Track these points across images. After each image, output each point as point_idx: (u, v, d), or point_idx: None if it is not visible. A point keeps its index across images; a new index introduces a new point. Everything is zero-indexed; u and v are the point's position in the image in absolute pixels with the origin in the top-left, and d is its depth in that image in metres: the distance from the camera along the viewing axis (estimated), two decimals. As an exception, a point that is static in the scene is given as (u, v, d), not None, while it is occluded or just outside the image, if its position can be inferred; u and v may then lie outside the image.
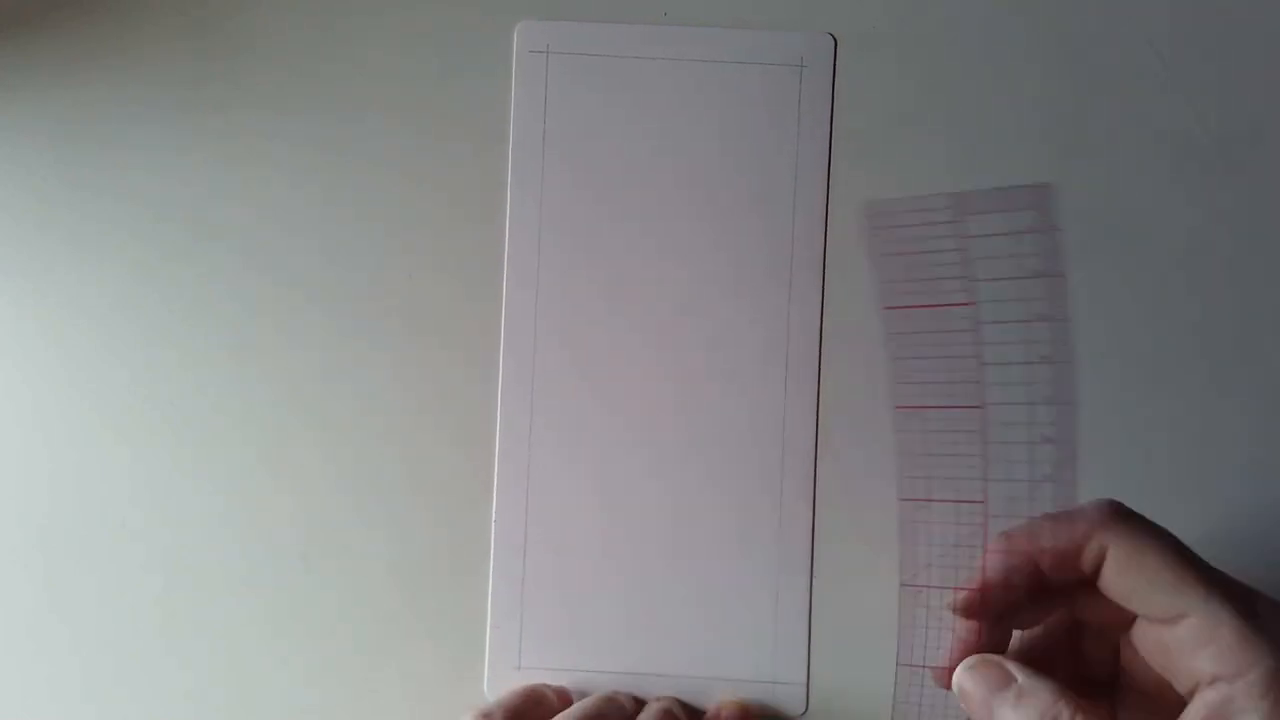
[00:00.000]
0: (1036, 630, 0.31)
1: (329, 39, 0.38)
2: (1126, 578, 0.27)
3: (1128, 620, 0.29)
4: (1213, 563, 0.28)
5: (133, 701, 0.38)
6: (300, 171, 0.38)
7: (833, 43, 0.38)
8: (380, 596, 0.38)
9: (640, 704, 0.36)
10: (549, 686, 0.36)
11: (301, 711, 0.38)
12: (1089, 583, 0.28)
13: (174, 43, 0.38)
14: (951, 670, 0.29)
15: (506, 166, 0.38)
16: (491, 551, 0.37)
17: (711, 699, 0.37)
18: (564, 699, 0.36)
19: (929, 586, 0.30)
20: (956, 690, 0.29)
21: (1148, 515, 0.29)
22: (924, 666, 0.30)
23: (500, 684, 0.37)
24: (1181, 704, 0.27)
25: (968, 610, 0.29)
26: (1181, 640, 0.27)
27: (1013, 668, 0.28)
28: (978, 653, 0.29)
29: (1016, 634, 0.31)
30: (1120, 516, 0.28)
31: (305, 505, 0.38)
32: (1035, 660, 0.29)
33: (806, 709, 0.37)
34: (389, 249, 0.38)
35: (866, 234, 0.29)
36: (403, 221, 0.38)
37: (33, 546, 0.38)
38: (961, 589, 0.29)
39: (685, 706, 0.36)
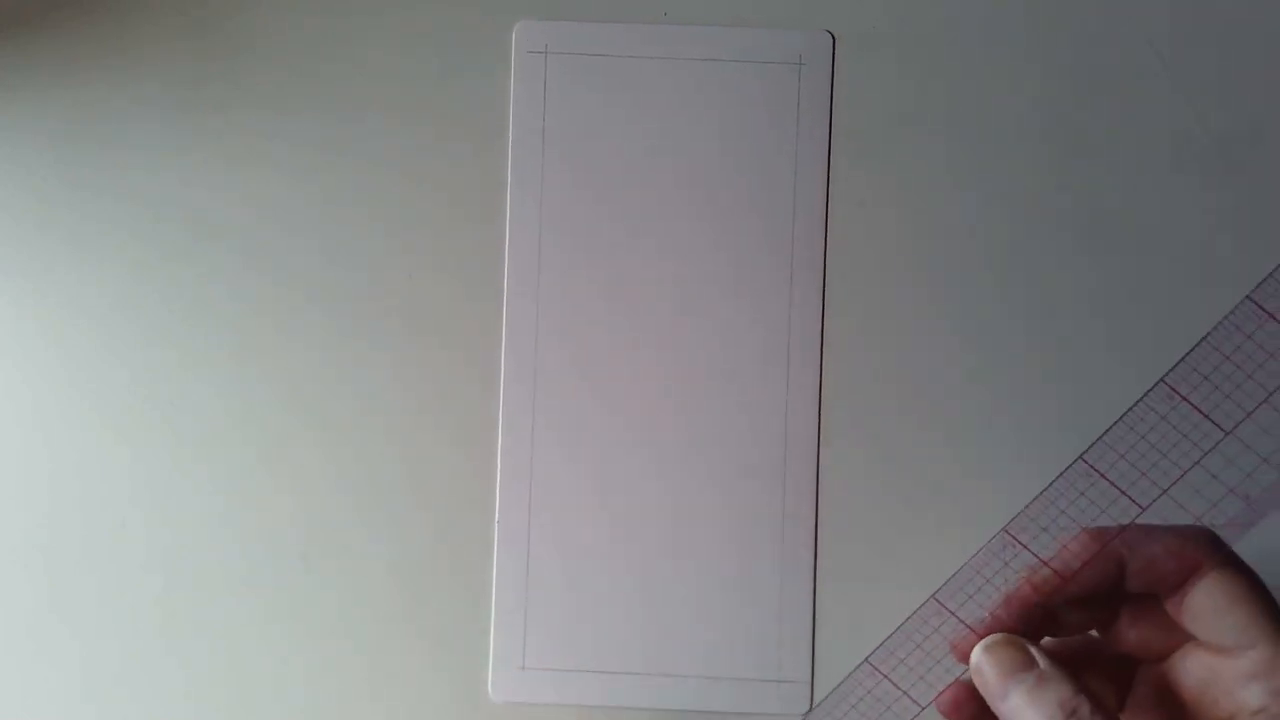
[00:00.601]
0: (1051, 642, 0.30)
1: (329, 39, 0.38)
2: (1210, 602, 0.27)
3: (1170, 646, 0.28)
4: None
5: (133, 701, 0.38)
6: (300, 171, 0.38)
7: (831, 41, 0.38)
8: (381, 597, 0.38)
9: None
10: None
11: (301, 711, 0.37)
12: (1133, 602, 0.28)
13: (174, 43, 0.38)
14: (971, 644, 0.29)
15: (506, 166, 0.38)
16: (495, 552, 0.37)
17: (715, 699, 0.37)
18: None
19: (1026, 547, 0.29)
20: (973, 666, 0.28)
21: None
22: (954, 613, 0.29)
23: (505, 685, 0.37)
24: None
25: (1039, 587, 0.28)
26: (1238, 670, 0.27)
27: (1036, 653, 0.28)
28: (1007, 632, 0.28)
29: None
30: (1216, 543, 0.28)
31: (305, 505, 0.38)
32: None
33: (811, 707, 0.37)
34: (389, 249, 0.38)
35: None
36: (403, 221, 0.38)
37: (33, 546, 0.38)
38: (1036, 570, 0.28)
39: None
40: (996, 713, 0.28)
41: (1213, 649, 0.27)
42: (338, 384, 0.38)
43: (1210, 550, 0.27)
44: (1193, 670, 0.28)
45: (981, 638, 0.28)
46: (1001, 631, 0.28)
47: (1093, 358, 0.37)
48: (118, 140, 0.38)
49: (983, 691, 0.28)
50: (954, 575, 0.29)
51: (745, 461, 0.37)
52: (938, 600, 0.29)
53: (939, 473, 0.37)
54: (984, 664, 0.28)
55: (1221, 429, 0.28)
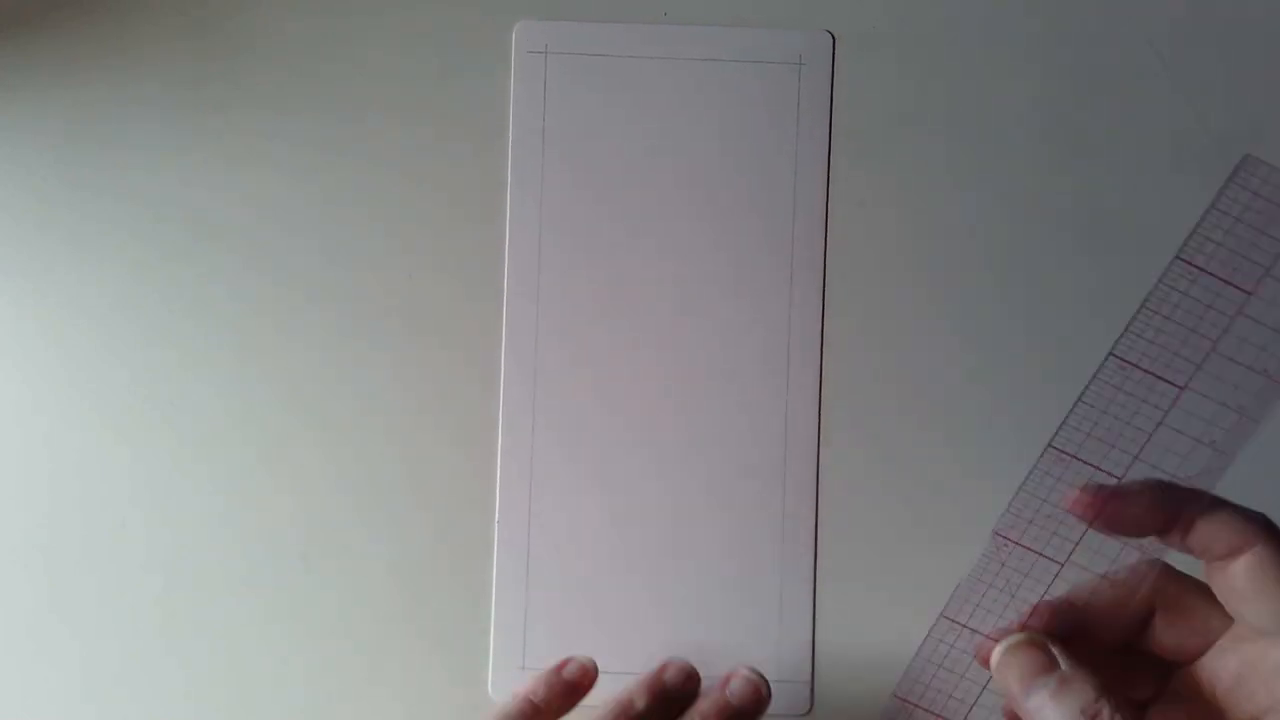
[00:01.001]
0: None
1: (329, 39, 0.38)
2: (1257, 583, 0.27)
3: (1204, 644, 0.28)
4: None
5: (133, 701, 0.38)
6: (300, 171, 0.38)
7: (831, 41, 0.38)
8: (381, 597, 0.38)
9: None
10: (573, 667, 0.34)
11: (301, 712, 0.37)
12: (1167, 608, 0.28)
13: (174, 43, 0.38)
14: (994, 644, 0.28)
15: (506, 166, 0.38)
16: (495, 552, 0.37)
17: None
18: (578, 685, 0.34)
19: (1018, 543, 0.29)
20: (994, 667, 0.28)
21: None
22: (965, 625, 0.29)
23: (505, 684, 0.37)
24: None
25: (1093, 502, 0.28)
26: (1278, 660, 0.26)
27: (1058, 653, 0.27)
28: (1035, 631, 0.28)
29: None
30: (1270, 527, 0.27)
31: (305, 505, 0.38)
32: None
33: (811, 708, 0.37)
34: (389, 249, 0.38)
35: (1233, 179, 0.28)
36: (403, 221, 0.38)
37: (33, 546, 0.38)
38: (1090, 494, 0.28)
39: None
40: (1019, 713, 0.27)
41: (1253, 633, 0.27)
42: (338, 384, 0.38)
43: (1267, 532, 0.27)
44: (1229, 663, 0.28)
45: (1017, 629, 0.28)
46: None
47: (1093, 358, 0.37)
48: (118, 140, 0.38)
49: (1003, 693, 0.28)
50: (955, 589, 0.29)
51: (745, 461, 0.37)
52: (947, 617, 0.29)
53: (939, 473, 0.37)
54: (1005, 666, 0.27)
55: (1176, 386, 0.28)
